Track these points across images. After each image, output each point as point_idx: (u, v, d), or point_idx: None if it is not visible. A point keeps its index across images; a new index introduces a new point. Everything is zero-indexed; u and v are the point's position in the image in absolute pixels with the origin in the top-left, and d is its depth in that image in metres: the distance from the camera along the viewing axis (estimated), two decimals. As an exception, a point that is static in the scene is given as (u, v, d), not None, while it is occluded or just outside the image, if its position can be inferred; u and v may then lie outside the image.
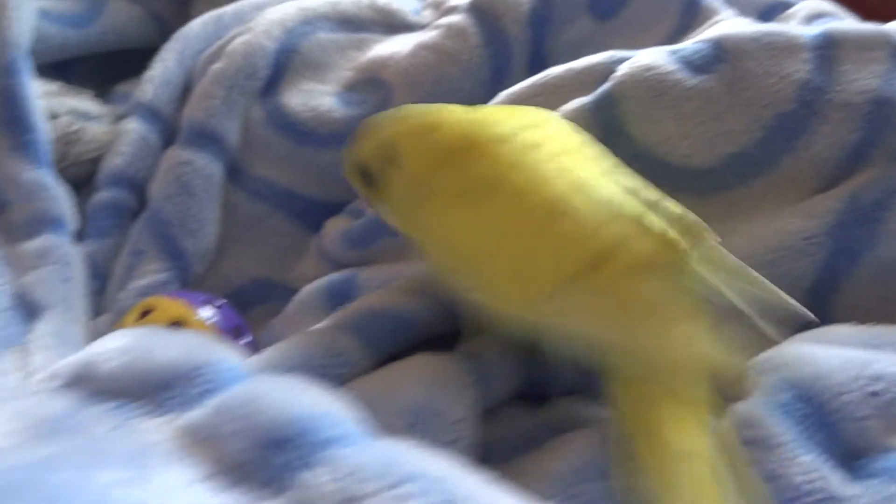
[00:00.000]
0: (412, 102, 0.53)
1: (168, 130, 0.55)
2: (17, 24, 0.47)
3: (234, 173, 0.53)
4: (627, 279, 0.26)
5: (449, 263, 0.31)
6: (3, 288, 0.41)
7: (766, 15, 0.61)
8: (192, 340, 0.25)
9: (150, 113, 0.54)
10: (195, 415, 0.21)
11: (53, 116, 0.48)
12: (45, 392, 0.24)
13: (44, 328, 0.39)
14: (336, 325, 0.32)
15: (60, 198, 0.45)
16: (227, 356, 0.24)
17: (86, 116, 0.52)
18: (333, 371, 0.30)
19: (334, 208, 0.57)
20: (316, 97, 0.55)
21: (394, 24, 0.61)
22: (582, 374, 0.32)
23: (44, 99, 0.48)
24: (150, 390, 0.22)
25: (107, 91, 0.63)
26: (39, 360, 0.37)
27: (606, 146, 0.40)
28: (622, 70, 0.40)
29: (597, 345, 0.27)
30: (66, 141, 0.47)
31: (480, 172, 0.29)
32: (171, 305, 0.42)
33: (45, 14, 0.55)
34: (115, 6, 0.62)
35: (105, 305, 0.46)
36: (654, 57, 0.40)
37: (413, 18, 0.62)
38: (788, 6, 0.61)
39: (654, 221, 0.29)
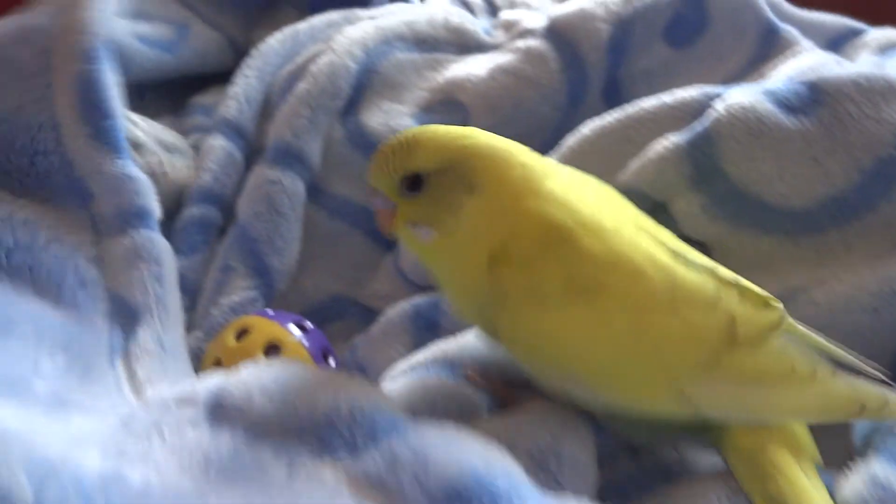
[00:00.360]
0: (490, 125, 0.54)
1: (250, 146, 0.57)
2: (98, 12, 0.47)
3: (314, 191, 0.54)
4: (758, 351, 0.28)
5: (546, 362, 0.29)
6: (101, 291, 0.41)
7: (836, 42, 0.61)
8: (344, 381, 0.26)
9: (234, 130, 0.55)
10: (368, 463, 0.22)
11: (137, 147, 0.49)
12: (193, 423, 0.25)
13: (145, 334, 0.40)
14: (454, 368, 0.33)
15: (145, 188, 0.45)
16: (381, 399, 0.25)
17: (170, 148, 0.53)
18: (458, 416, 0.31)
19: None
20: (395, 117, 0.56)
21: (467, 44, 0.62)
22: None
23: (132, 129, 0.49)
24: (311, 429, 0.23)
25: (179, 105, 0.64)
26: (144, 371, 0.38)
27: (699, 183, 0.41)
28: (719, 109, 0.41)
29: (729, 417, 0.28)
30: (148, 174, 0.47)
31: (584, 270, 0.27)
32: (267, 326, 0.43)
33: (140, 38, 0.56)
34: (198, 32, 0.63)
35: (196, 321, 0.48)
36: (751, 97, 0.40)
37: (485, 38, 0.62)
38: (858, 33, 0.61)
39: (755, 291, 0.30)
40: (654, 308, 0.27)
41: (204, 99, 0.63)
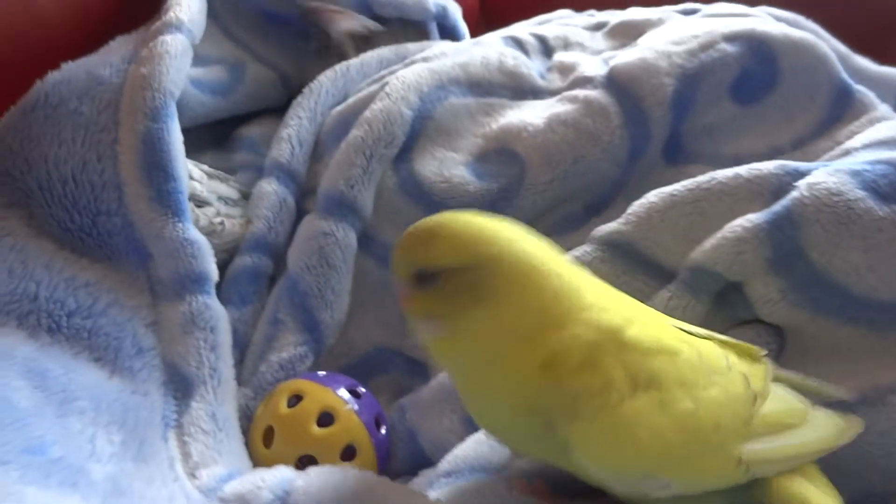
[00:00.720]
0: (549, 180, 0.53)
1: (301, 189, 0.55)
2: (175, 72, 0.47)
3: (364, 239, 0.53)
4: (768, 400, 0.31)
5: (625, 461, 0.28)
6: (157, 359, 0.41)
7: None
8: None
9: (287, 175, 0.54)
10: None
11: (199, 205, 0.48)
12: None
13: (198, 408, 0.39)
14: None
15: (204, 252, 0.44)
16: None
17: (228, 201, 0.53)
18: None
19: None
20: (449, 167, 0.54)
21: (522, 88, 0.60)
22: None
23: (193, 185, 0.48)
24: None
25: (222, 137, 0.63)
26: (198, 451, 0.37)
27: (779, 267, 0.39)
28: (803, 191, 0.39)
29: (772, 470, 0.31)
30: (208, 231, 0.47)
31: (641, 363, 0.28)
32: (320, 393, 0.42)
33: (196, 83, 0.55)
34: (252, 72, 0.62)
35: (245, 377, 0.46)
36: (837, 179, 0.38)
37: (541, 83, 0.61)
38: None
39: (741, 345, 0.33)
40: (699, 383, 0.29)
41: (249, 130, 0.62)
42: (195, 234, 0.44)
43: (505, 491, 0.31)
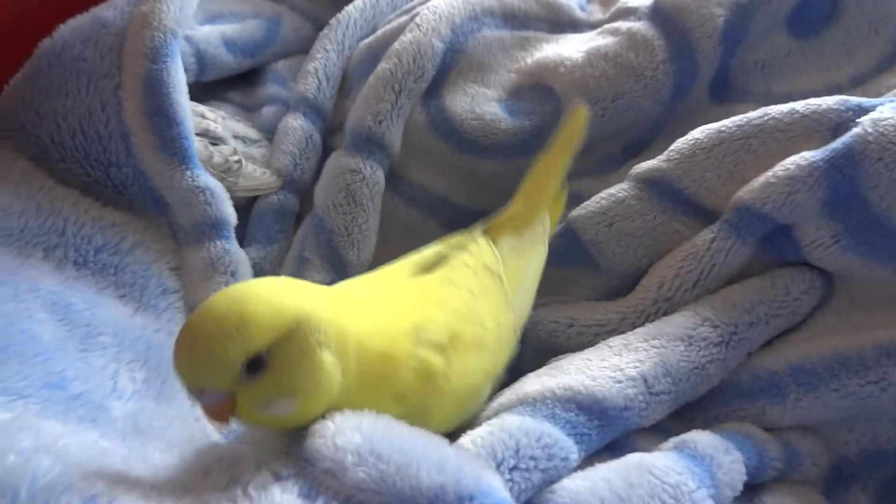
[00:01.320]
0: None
1: (330, 125, 0.54)
2: (177, 10, 0.44)
3: (391, 178, 0.52)
4: None
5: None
6: (180, 302, 0.40)
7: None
8: (451, 453, 0.23)
9: (313, 110, 0.52)
10: None
11: (214, 142, 0.47)
12: (281, 484, 0.23)
13: None
14: (552, 422, 0.30)
15: (218, 197, 0.43)
16: (492, 483, 0.22)
17: (247, 141, 0.51)
18: (553, 472, 0.28)
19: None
20: (481, 103, 0.52)
21: (559, 21, 0.57)
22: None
23: (208, 123, 0.47)
24: None
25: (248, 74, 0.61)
26: None
27: (834, 210, 0.36)
28: (866, 126, 0.36)
29: None
30: (224, 169, 0.45)
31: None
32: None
33: (228, 44, 0.53)
34: (288, 23, 0.60)
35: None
36: (907, 114, 0.35)
37: (580, 15, 0.57)
38: None
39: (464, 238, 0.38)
40: (472, 307, 0.33)
41: (276, 64, 0.60)
42: (207, 181, 0.43)
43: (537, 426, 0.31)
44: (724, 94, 0.52)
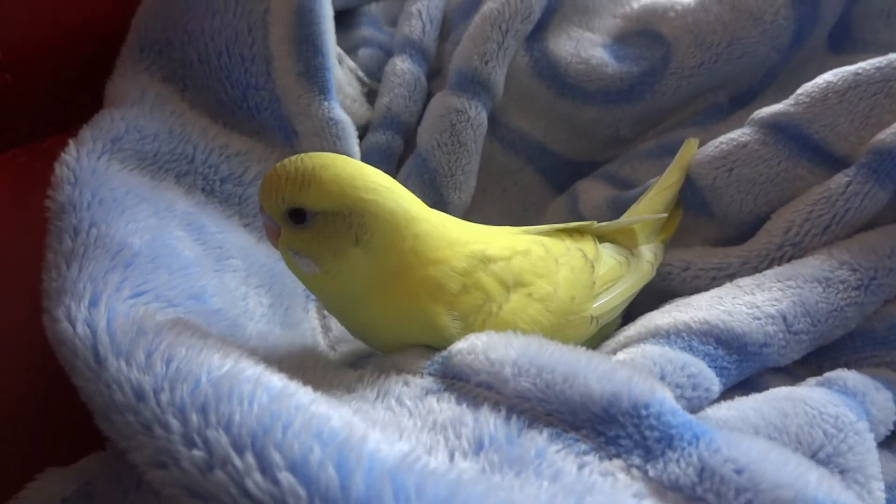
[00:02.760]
0: (698, 64, 0.48)
1: (433, 68, 0.53)
2: None
3: (491, 121, 0.51)
4: None
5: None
6: None
7: None
8: (618, 367, 0.23)
9: (419, 52, 0.52)
10: (674, 471, 0.19)
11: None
12: (435, 395, 0.23)
13: None
14: (694, 354, 0.29)
15: (348, 132, 0.43)
16: (665, 395, 0.22)
17: (353, 85, 0.51)
18: (696, 402, 0.28)
19: (580, 168, 0.54)
20: (586, 47, 0.50)
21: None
22: None
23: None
24: (586, 422, 0.21)
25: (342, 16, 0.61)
26: (337, 326, 0.37)
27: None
28: None
29: None
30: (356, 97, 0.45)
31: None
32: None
33: None
34: None
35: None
36: None
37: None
38: None
39: (578, 227, 0.39)
40: (550, 269, 0.33)
41: (370, 6, 0.60)
42: (341, 114, 0.43)
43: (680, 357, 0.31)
44: (844, 44, 0.50)
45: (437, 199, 0.47)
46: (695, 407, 0.28)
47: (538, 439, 0.20)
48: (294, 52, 0.42)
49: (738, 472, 0.19)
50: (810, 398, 0.26)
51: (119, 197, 0.35)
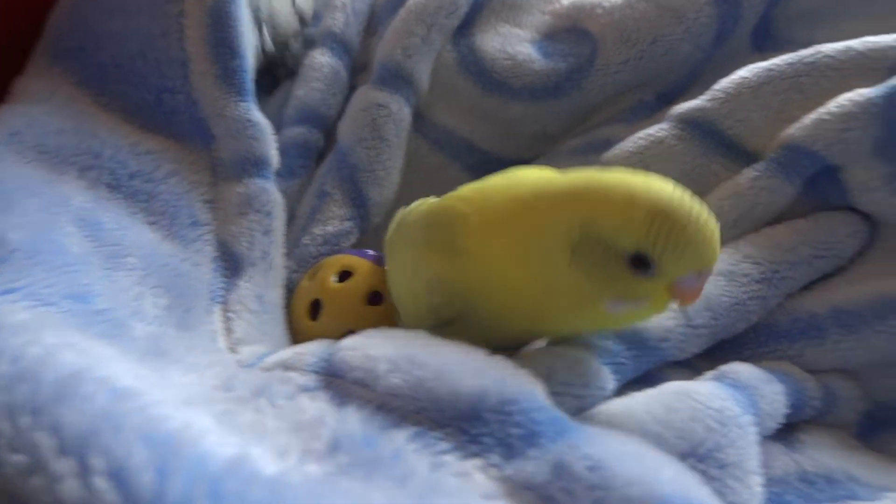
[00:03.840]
0: (623, 61, 0.48)
1: (355, 63, 0.52)
2: None
3: (417, 118, 0.50)
4: None
5: None
6: (210, 235, 0.39)
7: None
8: (490, 363, 0.22)
9: (341, 45, 0.51)
10: (529, 469, 0.19)
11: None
12: (308, 393, 0.22)
13: (246, 288, 0.38)
14: (589, 351, 0.29)
15: (265, 135, 0.42)
16: (535, 391, 0.21)
17: None
18: (590, 399, 0.27)
19: (507, 165, 0.54)
20: (514, 43, 0.50)
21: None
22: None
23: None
24: (452, 419, 0.20)
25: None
26: (241, 328, 0.36)
27: (887, 150, 0.35)
28: (929, 62, 0.34)
29: None
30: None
31: None
32: (371, 271, 0.40)
33: None
34: None
35: (287, 249, 0.45)
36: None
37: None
38: None
39: None
40: None
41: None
42: (258, 116, 0.42)
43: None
44: (766, 43, 0.50)
45: (356, 196, 0.46)
46: (587, 405, 0.27)
47: (398, 439, 0.20)
48: (211, 54, 0.41)
49: (592, 469, 0.18)
50: (698, 392, 0.26)
51: (7, 191, 0.33)
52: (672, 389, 0.27)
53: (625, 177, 0.25)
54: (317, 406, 0.21)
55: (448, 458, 0.19)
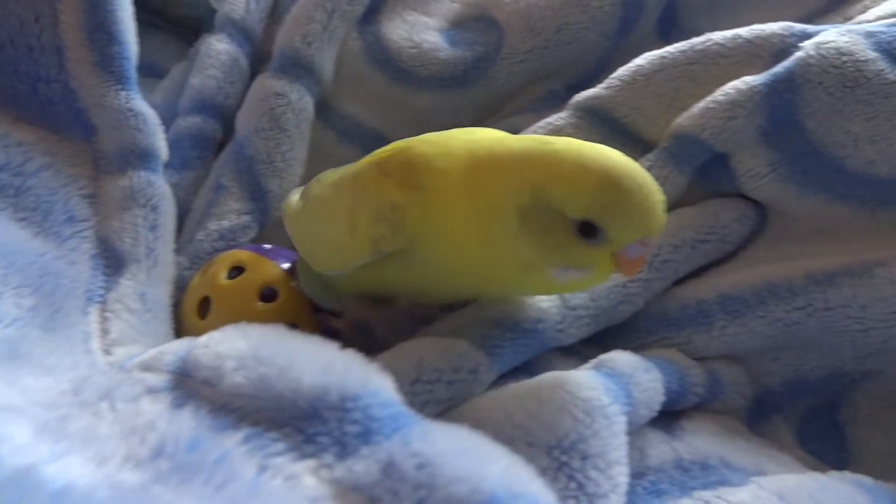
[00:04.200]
0: (529, 49, 0.48)
1: (257, 52, 0.50)
2: None
3: (322, 108, 0.49)
4: None
5: None
6: (89, 231, 0.37)
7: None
8: (339, 356, 0.21)
9: (241, 32, 0.49)
10: (359, 469, 0.18)
11: None
12: (153, 394, 0.21)
13: (127, 286, 0.36)
14: (461, 336, 0.28)
15: (150, 125, 0.40)
16: (381, 385, 0.20)
17: None
18: (461, 385, 0.26)
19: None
20: (420, 31, 0.49)
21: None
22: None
23: None
24: (291, 419, 0.19)
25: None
26: (119, 329, 0.34)
27: (772, 137, 0.35)
28: (809, 50, 0.34)
29: None
30: None
31: None
32: (264, 266, 0.38)
33: None
34: None
35: (181, 246, 0.43)
36: (849, 39, 0.34)
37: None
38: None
39: None
40: None
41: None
42: (142, 106, 0.40)
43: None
44: (672, 32, 0.50)
45: (254, 189, 0.44)
46: (459, 392, 0.26)
47: (229, 442, 0.18)
48: (88, 41, 0.38)
49: (420, 467, 0.18)
50: (568, 382, 0.26)
51: None
52: (546, 380, 0.26)
53: (577, 144, 0.25)
54: (154, 409, 0.20)
55: (280, 460, 0.18)
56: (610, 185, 0.24)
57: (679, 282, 0.35)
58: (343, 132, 0.49)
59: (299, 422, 0.19)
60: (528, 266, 0.25)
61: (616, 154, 0.25)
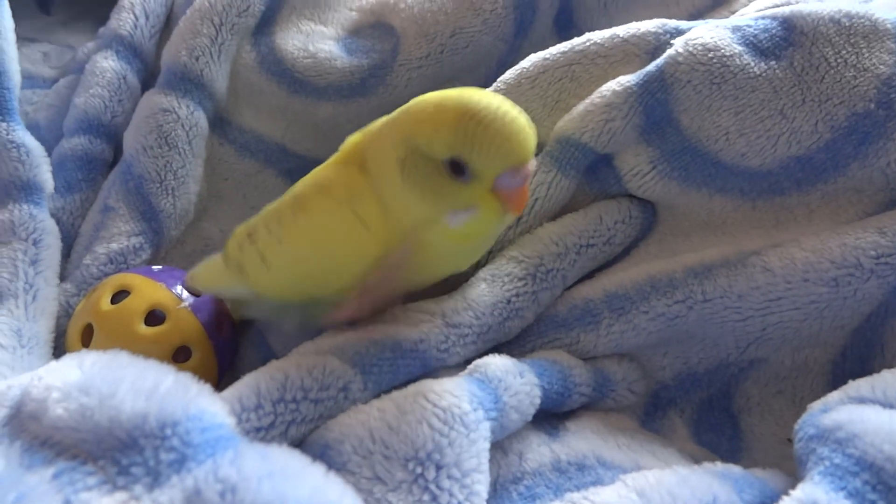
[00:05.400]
0: (425, 55, 0.48)
1: (149, 69, 0.49)
2: None
3: (221, 124, 0.48)
4: None
5: None
6: None
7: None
8: (166, 380, 0.20)
9: (129, 49, 0.47)
10: (163, 501, 0.17)
11: None
12: None
13: (3, 323, 0.34)
14: (333, 354, 0.27)
15: (34, 157, 0.39)
16: (207, 407, 0.20)
17: None
18: (330, 403, 0.26)
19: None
20: (316, 41, 0.48)
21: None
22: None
23: None
24: (108, 450, 0.18)
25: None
26: None
27: (650, 135, 0.36)
28: (678, 47, 0.35)
29: None
30: None
31: None
32: (150, 288, 0.37)
33: None
34: None
35: (68, 272, 0.41)
36: (715, 35, 0.34)
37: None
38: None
39: None
40: None
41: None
42: (25, 138, 0.39)
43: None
44: (570, 32, 0.51)
45: (145, 209, 0.43)
46: (332, 410, 0.26)
47: (33, 479, 0.17)
48: None
49: (223, 494, 0.17)
50: (432, 391, 0.25)
51: None
52: (412, 390, 0.26)
53: (441, 92, 0.26)
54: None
55: (89, 495, 0.17)
56: (466, 118, 0.24)
57: (567, 286, 0.35)
58: (244, 146, 0.48)
59: (116, 453, 0.18)
60: (427, 220, 0.26)
61: (476, 91, 0.26)
